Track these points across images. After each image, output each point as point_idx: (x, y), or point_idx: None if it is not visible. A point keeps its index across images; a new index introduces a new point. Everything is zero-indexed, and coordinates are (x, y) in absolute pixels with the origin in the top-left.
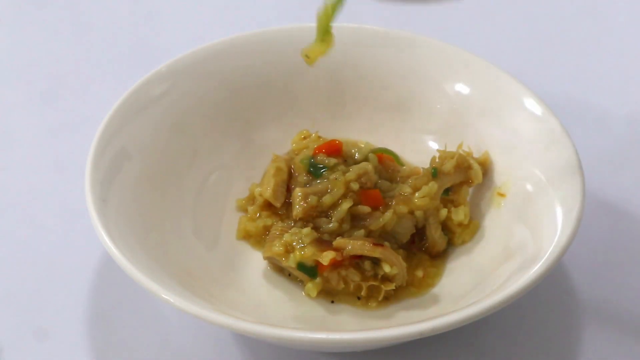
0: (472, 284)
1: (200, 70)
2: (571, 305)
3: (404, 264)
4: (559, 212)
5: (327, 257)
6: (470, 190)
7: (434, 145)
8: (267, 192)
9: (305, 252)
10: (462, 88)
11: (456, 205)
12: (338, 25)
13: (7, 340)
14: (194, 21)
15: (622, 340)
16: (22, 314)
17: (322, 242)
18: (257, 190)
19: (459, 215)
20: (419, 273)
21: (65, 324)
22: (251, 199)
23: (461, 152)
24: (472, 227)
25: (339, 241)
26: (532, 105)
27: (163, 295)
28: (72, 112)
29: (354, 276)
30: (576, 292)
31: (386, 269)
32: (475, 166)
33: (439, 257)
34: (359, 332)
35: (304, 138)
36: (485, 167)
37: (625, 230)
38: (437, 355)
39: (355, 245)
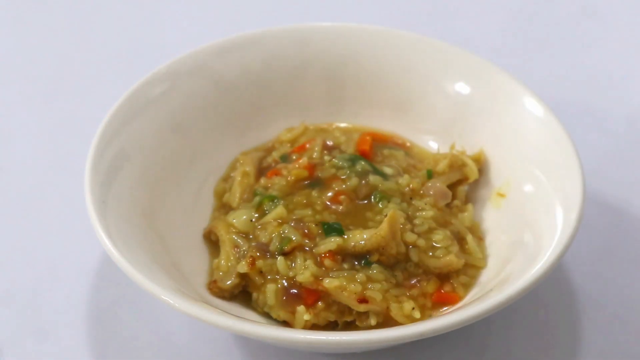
0: (473, 285)
1: (200, 71)
2: (571, 305)
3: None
4: (559, 212)
5: (300, 321)
6: (466, 188)
7: (434, 145)
8: (235, 202)
9: (273, 310)
10: (462, 88)
11: (462, 210)
12: (339, 25)
13: (7, 340)
14: (194, 21)
15: (622, 340)
16: (22, 314)
17: (291, 295)
18: (226, 196)
19: (465, 222)
20: (428, 303)
21: (65, 324)
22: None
23: (454, 152)
24: (473, 228)
25: (326, 285)
26: (532, 105)
27: (163, 297)
28: (72, 112)
29: (330, 316)
30: (576, 292)
31: (372, 321)
32: (470, 163)
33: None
34: (359, 333)
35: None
36: (480, 163)
37: (625, 230)
38: (437, 356)
39: (341, 296)
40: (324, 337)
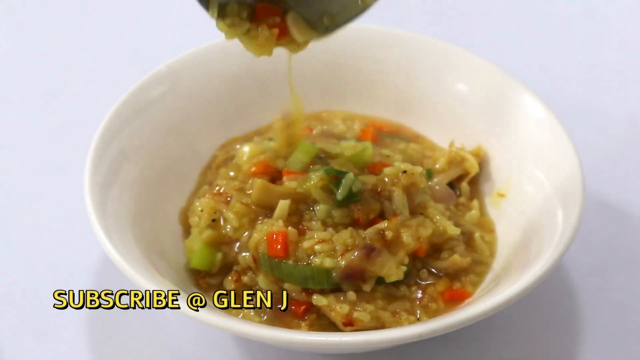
0: (481, 281)
1: (200, 71)
2: (571, 306)
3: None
4: (559, 212)
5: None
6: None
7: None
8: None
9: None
10: (462, 88)
11: (468, 208)
12: None
13: (7, 340)
14: (194, 21)
15: (622, 340)
16: (22, 314)
17: (280, 312)
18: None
19: (473, 219)
20: (440, 304)
21: (65, 324)
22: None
23: (453, 149)
24: (482, 223)
25: (315, 302)
26: (532, 105)
27: None
28: (72, 113)
29: (324, 324)
30: (576, 292)
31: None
32: (469, 157)
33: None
34: (359, 334)
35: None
36: (480, 157)
37: (625, 230)
38: (437, 356)
39: (329, 314)
40: (324, 338)
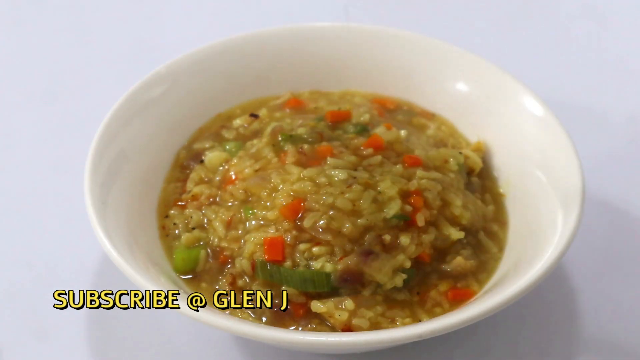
0: (489, 279)
1: (199, 71)
2: (571, 305)
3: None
4: (559, 212)
5: None
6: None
7: None
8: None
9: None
10: (462, 88)
11: (484, 203)
12: (338, 25)
13: (7, 340)
14: (194, 21)
15: (622, 340)
16: (22, 314)
17: (279, 314)
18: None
19: (490, 214)
20: (445, 305)
21: (65, 324)
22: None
23: (451, 149)
24: (497, 216)
25: (314, 309)
26: (533, 105)
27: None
28: (72, 113)
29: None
30: (576, 292)
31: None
32: (471, 154)
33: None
34: (358, 334)
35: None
36: (482, 152)
37: (625, 230)
38: (437, 356)
39: (328, 320)
40: (324, 338)
